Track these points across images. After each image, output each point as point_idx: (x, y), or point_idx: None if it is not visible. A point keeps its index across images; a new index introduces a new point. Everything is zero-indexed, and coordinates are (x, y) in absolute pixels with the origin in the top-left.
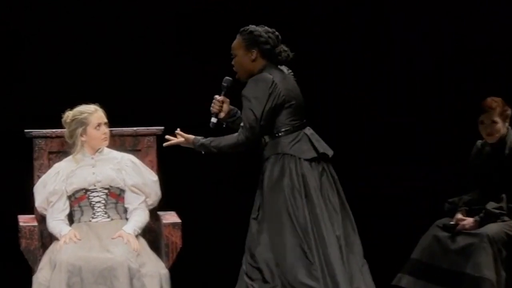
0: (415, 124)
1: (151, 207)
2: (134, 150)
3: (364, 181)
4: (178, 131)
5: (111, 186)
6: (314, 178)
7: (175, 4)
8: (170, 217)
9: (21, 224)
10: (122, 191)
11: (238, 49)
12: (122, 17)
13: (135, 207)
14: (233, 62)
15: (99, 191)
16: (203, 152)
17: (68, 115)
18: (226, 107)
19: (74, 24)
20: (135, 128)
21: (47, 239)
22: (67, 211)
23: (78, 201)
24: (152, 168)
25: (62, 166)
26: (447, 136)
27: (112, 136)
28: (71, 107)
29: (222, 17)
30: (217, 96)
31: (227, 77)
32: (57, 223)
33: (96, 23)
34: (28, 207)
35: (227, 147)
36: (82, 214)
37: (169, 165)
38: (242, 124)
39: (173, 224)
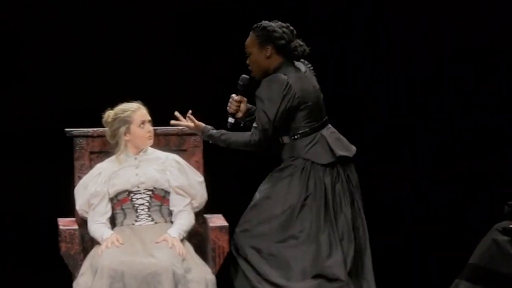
0: (415, 124)
1: (197, 209)
2: (179, 150)
3: (364, 181)
4: (189, 114)
5: (155, 188)
6: (327, 186)
7: (175, 4)
8: (217, 220)
9: (61, 227)
10: (167, 193)
11: (252, 47)
12: (122, 17)
13: (180, 209)
14: (247, 61)
15: (143, 193)
16: (210, 142)
17: (109, 114)
18: (243, 106)
19: (73, 24)
20: (181, 127)
21: (88, 243)
22: (109, 214)
23: (121, 203)
24: (198, 168)
25: (104, 167)
26: (447, 136)
27: (157, 135)
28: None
29: (222, 17)
30: (234, 96)
31: (243, 75)
32: (98, 227)
33: (96, 23)
34: (68, 209)
35: (237, 144)
36: (125, 217)
37: (215, 165)
38: (255, 124)
39: (220, 228)
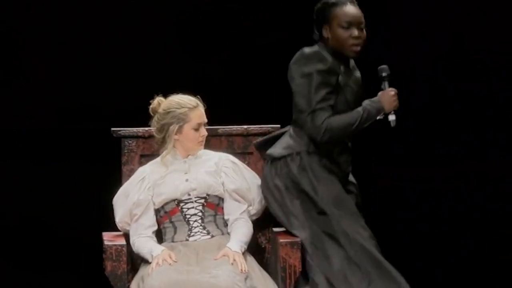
0: (415, 124)
1: (254, 217)
2: (244, 153)
3: (363, 181)
4: None
5: (208, 195)
6: None
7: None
8: (287, 235)
9: (106, 243)
10: (221, 199)
11: (364, 21)
12: (124, 15)
13: (236, 217)
14: (359, 34)
15: (195, 201)
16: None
17: (161, 102)
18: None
19: (73, 24)
20: (245, 126)
21: (137, 261)
22: (155, 227)
23: (169, 215)
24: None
25: (147, 171)
26: (447, 136)
27: (219, 136)
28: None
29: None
30: (391, 90)
31: (382, 66)
32: (145, 241)
33: (96, 23)
34: (114, 222)
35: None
36: (175, 232)
37: None
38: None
39: (292, 243)
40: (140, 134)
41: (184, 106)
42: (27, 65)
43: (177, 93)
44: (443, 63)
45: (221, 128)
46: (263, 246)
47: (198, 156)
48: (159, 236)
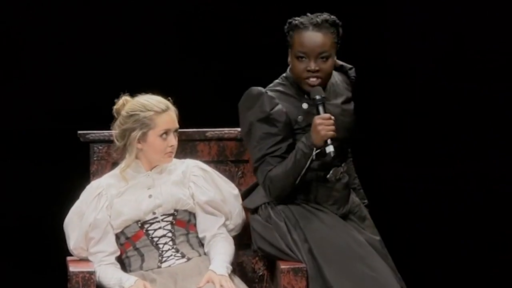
0: (415, 124)
1: (234, 233)
2: (238, 161)
3: (363, 181)
4: None
5: (176, 211)
6: None
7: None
8: (289, 261)
9: (71, 269)
10: (192, 215)
11: (332, 48)
12: (124, 15)
13: (214, 233)
14: (318, 66)
15: (161, 220)
16: None
17: (125, 102)
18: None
19: (73, 24)
20: (239, 129)
21: None
22: (119, 252)
23: (132, 241)
24: None
25: (103, 185)
26: (447, 136)
27: (207, 140)
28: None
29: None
30: (325, 115)
31: (316, 87)
32: (111, 270)
33: (96, 22)
34: None
35: None
36: (143, 261)
37: None
38: None
39: (295, 270)
40: (112, 138)
41: (150, 109)
42: (27, 64)
43: (168, 94)
44: (443, 63)
45: (210, 131)
46: (260, 273)
47: (163, 168)
48: (125, 269)
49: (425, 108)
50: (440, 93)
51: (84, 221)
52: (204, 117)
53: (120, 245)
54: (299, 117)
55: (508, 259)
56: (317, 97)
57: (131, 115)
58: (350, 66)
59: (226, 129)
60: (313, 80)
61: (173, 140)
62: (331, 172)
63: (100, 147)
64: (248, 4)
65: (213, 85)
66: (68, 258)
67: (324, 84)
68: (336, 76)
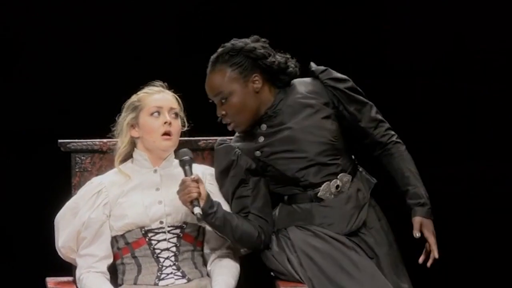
0: (414, 124)
1: (244, 253)
2: None
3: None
4: None
5: (185, 223)
6: None
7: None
8: (291, 281)
9: None
10: (201, 230)
11: (230, 85)
12: (124, 17)
13: (222, 253)
14: (223, 109)
15: (168, 232)
16: None
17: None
18: (203, 189)
19: (73, 23)
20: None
21: None
22: (111, 259)
23: (132, 248)
24: None
25: (105, 183)
26: (447, 136)
27: (201, 150)
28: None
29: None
30: (187, 178)
31: (183, 150)
32: (98, 281)
33: (96, 22)
34: (63, 264)
35: None
36: (139, 272)
37: None
38: None
39: None
40: (96, 147)
41: (141, 93)
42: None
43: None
44: (443, 63)
45: (203, 140)
46: None
47: (172, 165)
48: (113, 275)
49: (425, 108)
50: (440, 93)
51: (78, 219)
52: (204, 118)
53: (117, 249)
54: (256, 152)
55: (508, 259)
56: (185, 158)
57: (126, 106)
58: (322, 68)
59: (219, 138)
60: (229, 126)
61: (166, 117)
62: (321, 189)
63: (82, 158)
64: (248, 4)
65: None
66: (48, 279)
67: (247, 123)
68: (300, 87)
